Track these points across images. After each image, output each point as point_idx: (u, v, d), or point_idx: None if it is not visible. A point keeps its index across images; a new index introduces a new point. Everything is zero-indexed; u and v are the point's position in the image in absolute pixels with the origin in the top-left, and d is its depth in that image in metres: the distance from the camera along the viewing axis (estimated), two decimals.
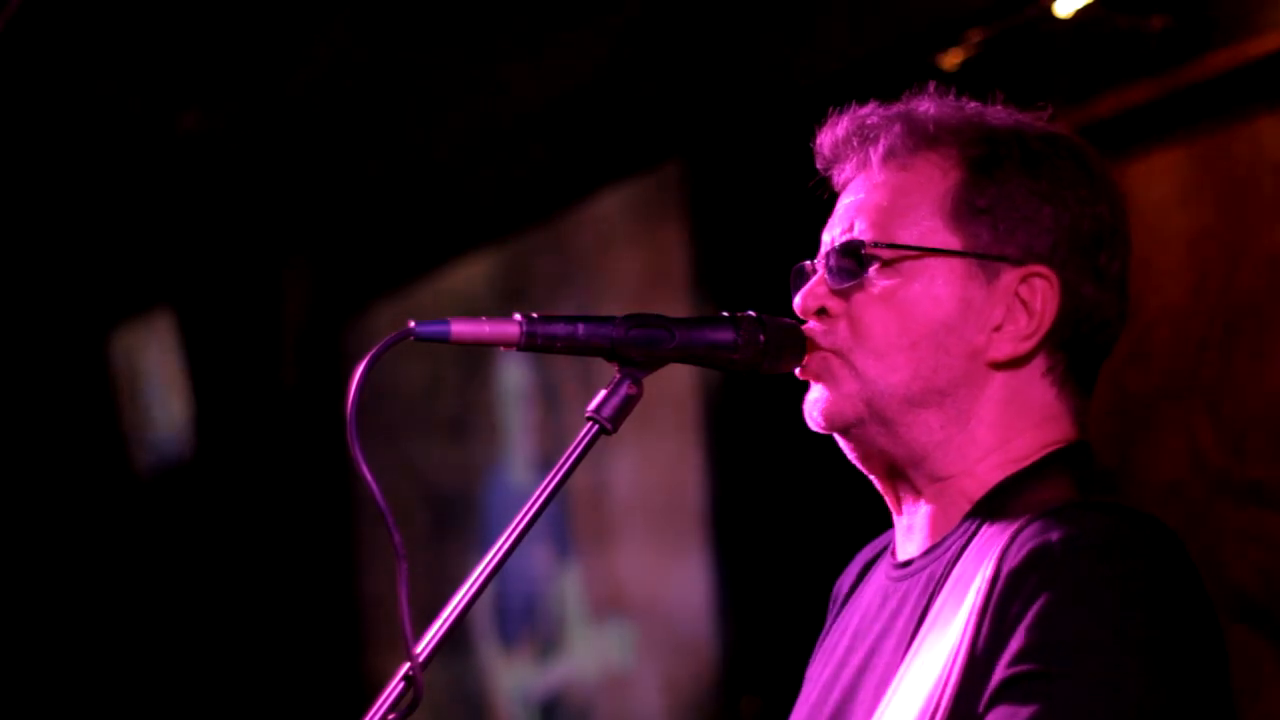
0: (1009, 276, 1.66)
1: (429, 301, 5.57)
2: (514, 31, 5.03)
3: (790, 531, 4.12)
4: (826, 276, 1.71)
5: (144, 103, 3.71)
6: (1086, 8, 3.20)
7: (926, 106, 1.71)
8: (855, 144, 1.74)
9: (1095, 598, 1.48)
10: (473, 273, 5.43)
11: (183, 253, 6.98)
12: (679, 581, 4.44)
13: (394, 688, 1.57)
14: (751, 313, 1.70)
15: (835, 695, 1.70)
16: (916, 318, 1.67)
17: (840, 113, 1.75)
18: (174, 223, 6.66)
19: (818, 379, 1.71)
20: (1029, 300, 1.65)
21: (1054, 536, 1.50)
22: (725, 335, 1.68)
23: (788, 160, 4.62)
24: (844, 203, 1.74)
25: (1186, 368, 3.07)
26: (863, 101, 1.79)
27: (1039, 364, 1.67)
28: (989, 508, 1.63)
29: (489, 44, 5.14)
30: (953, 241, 1.67)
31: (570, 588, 4.95)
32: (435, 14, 4.87)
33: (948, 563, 1.62)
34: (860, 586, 1.83)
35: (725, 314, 1.69)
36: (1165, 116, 3.08)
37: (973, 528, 1.63)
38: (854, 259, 1.69)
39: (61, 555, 6.66)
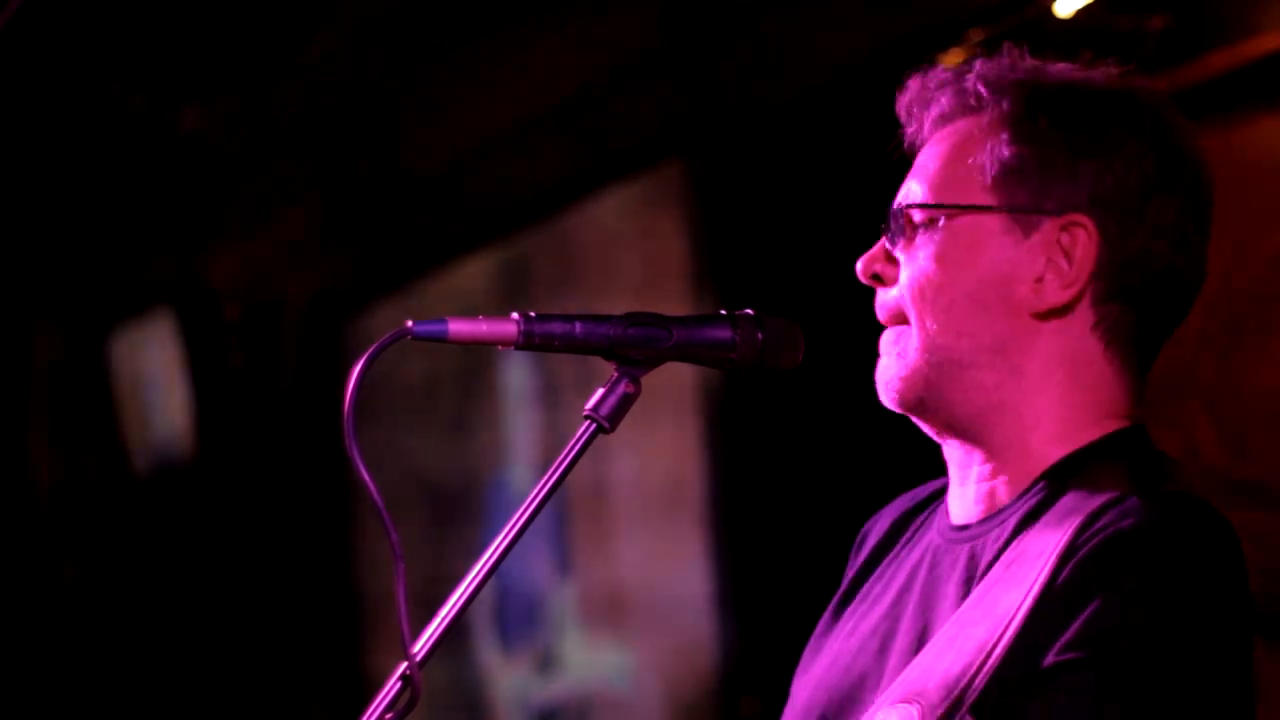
0: (1048, 228, 1.67)
1: (429, 301, 5.56)
2: (515, 30, 5.03)
3: (792, 531, 4.12)
4: (885, 240, 1.75)
5: (145, 101, 3.71)
6: (1086, 8, 3.20)
7: (980, 68, 1.74)
8: (916, 110, 1.77)
9: (1160, 595, 1.50)
10: (473, 273, 5.43)
11: (182, 253, 6.98)
12: (679, 581, 4.44)
13: (391, 687, 1.57)
14: (749, 311, 1.70)
15: (870, 650, 1.72)
16: (955, 277, 1.69)
17: (913, 75, 1.78)
18: (174, 222, 6.66)
19: (888, 351, 1.74)
20: (1069, 249, 1.67)
21: (1125, 526, 1.52)
22: (723, 334, 1.68)
23: (788, 159, 4.63)
24: (917, 163, 1.77)
25: (1186, 368, 3.07)
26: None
27: (1086, 316, 1.68)
28: (1051, 485, 1.65)
29: (490, 43, 5.14)
30: (989, 199, 1.69)
31: (569, 588, 4.94)
32: (436, 12, 4.87)
33: (1008, 534, 1.63)
34: (902, 540, 1.84)
35: (723, 312, 1.70)
36: None
37: (1034, 502, 1.64)
38: (899, 222, 1.73)
39: (62, 555, 6.66)
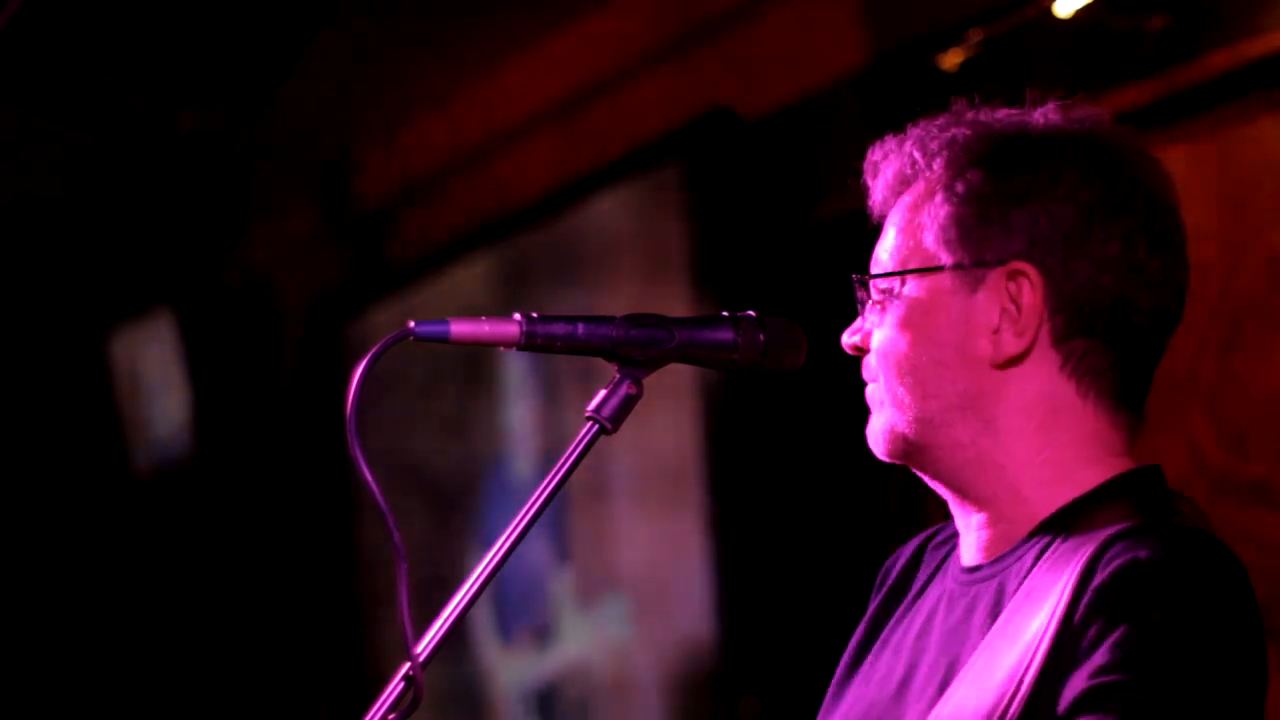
0: (994, 279, 1.69)
1: (428, 302, 5.56)
2: (515, 30, 5.03)
3: (792, 532, 4.12)
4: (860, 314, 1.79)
5: (145, 102, 3.71)
6: (1086, 8, 3.20)
7: (915, 132, 1.77)
8: (872, 182, 1.81)
9: (1185, 621, 1.51)
10: (472, 273, 5.43)
11: (183, 253, 6.98)
12: (679, 581, 4.44)
13: (394, 687, 1.57)
14: (751, 312, 1.71)
15: (889, 693, 1.73)
16: (916, 341, 1.71)
17: (872, 149, 1.81)
18: (174, 223, 6.65)
19: (871, 407, 1.78)
20: (1017, 297, 1.68)
21: (1142, 555, 1.53)
22: (725, 335, 1.69)
23: (788, 160, 4.62)
24: (882, 234, 1.81)
25: (1186, 368, 3.07)
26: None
27: (1050, 358, 1.69)
28: (1060, 522, 1.66)
29: (490, 43, 5.14)
30: (935, 260, 1.71)
31: (568, 586, 4.94)
32: (435, 10, 4.87)
33: (1021, 572, 1.65)
34: (918, 582, 1.85)
35: (725, 314, 1.71)
36: (1165, 116, 3.09)
37: (1045, 540, 1.65)
38: (864, 294, 1.77)
39: (62, 555, 6.66)
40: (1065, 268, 1.67)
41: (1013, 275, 1.68)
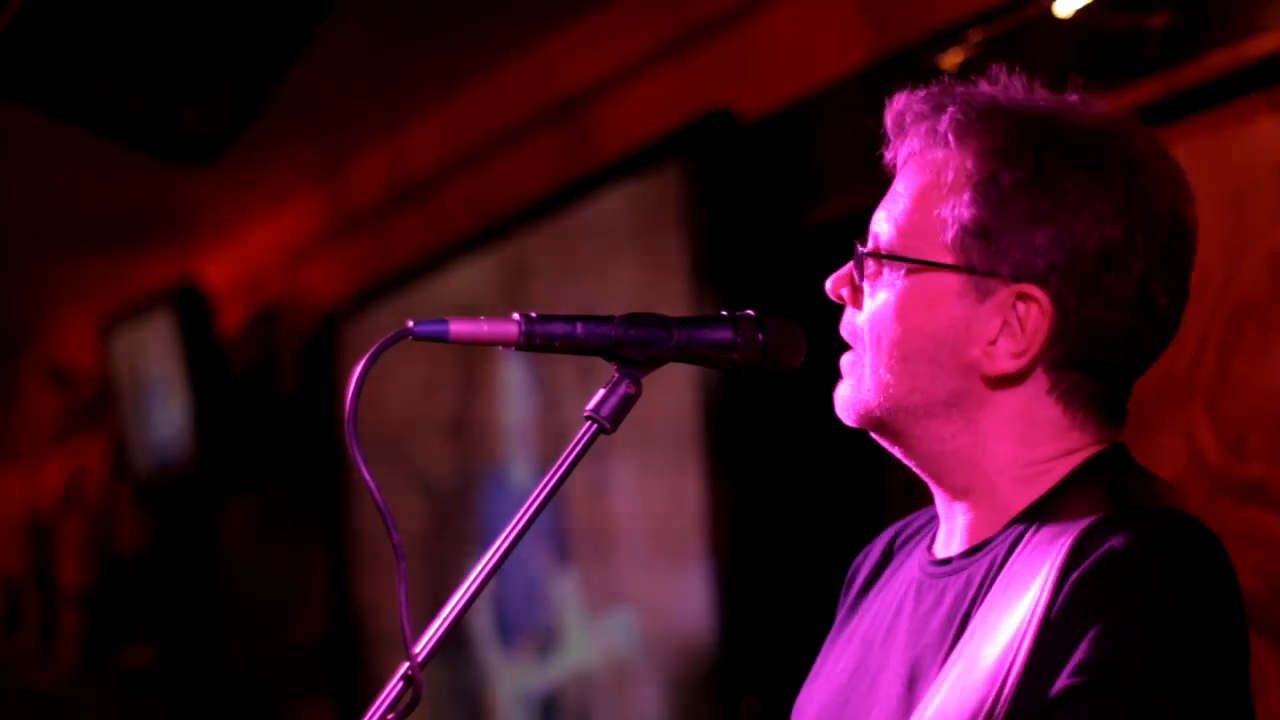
0: (1003, 293, 1.65)
1: (428, 301, 5.57)
2: (514, 29, 5.04)
3: (792, 532, 4.12)
4: (853, 265, 1.75)
5: (144, 101, 3.71)
6: (1086, 8, 3.19)
7: (954, 110, 1.69)
8: (893, 139, 1.75)
9: (1163, 611, 1.50)
10: (472, 273, 5.43)
11: (182, 253, 6.99)
12: (679, 583, 4.43)
13: (393, 687, 1.57)
14: (750, 312, 1.70)
15: (860, 688, 1.72)
16: (911, 330, 1.68)
17: (903, 90, 1.75)
18: (173, 223, 6.66)
19: (847, 374, 1.74)
20: (1023, 318, 1.65)
21: (1118, 544, 1.51)
22: (724, 334, 1.68)
23: (788, 160, 4.61)
24: (891, 191, 1.75)
25: (1186, 368, 3.06)
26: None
27: (1041, 382, 1.67)
28: (1033, 514, 1.64)
29: (490, 43, 5.14)
30: (948, 256, 1.67)
31: (569, 591, 4.94)
32: (435, 10, 4.88)
33: (992, 566, 1.63)
34: (888, 573, 1.84)
35: (724, 313, 1.70)
36: (1164, 116, 3.08)
37: (1019, 532, 1.63)
38: (865, 260, 1.73)
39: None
40: (1078, 299, 1.64)
41: (1023, 297, 1.64)
